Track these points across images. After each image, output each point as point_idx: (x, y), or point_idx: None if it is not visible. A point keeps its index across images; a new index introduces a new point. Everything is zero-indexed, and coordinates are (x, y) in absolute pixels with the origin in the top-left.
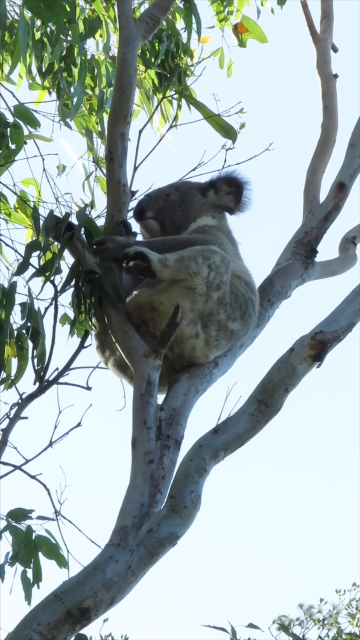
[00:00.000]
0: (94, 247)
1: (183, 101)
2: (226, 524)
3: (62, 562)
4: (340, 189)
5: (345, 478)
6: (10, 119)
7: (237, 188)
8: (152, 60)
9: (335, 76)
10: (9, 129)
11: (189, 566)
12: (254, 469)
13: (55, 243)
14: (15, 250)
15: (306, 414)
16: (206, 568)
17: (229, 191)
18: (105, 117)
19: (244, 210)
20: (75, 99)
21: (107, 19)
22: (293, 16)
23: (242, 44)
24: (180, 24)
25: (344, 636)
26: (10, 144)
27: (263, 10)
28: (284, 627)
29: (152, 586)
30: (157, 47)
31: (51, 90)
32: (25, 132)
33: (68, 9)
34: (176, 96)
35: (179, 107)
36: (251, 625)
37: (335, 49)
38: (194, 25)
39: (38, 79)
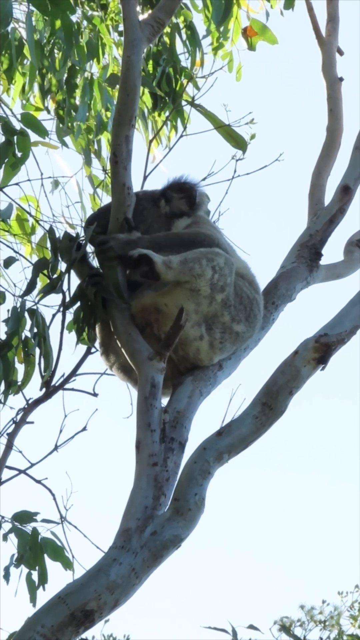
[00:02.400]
0: (97, 246)
1: (180, 118)
2: (228, 525)
3: (68, 564)
4: (345, 192)
5: (350, 480)
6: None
7: (187, 192)
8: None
9: (341, 79)
10: (15, 137)
11: (191, 568)
12: (257, 471)
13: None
14: (20, 255)
15: (309, 417)
16: (207, 569)
17: (180, 197)
18: (103, 139)
19: (200, 211)
20: (78, 121)
21: (109, 41)
22: (299, 19)
23: (251, 47)
24: (178, 47)
25: (345, 637)
26: (17, 152)
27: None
28: (285, 628)
29: (153, 587)
30: (151, 70)
31: (49, 110)
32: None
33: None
34: (173, 114)
35: (187, 119)
36: (252, 627)
37: (341, 52)
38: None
39: (32, 99)
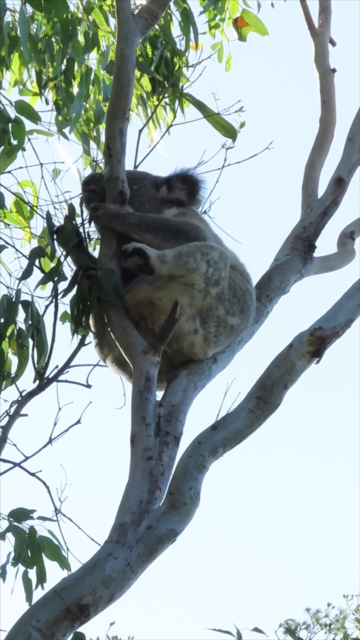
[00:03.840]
0: (89, 210)
1: (179, 103)
2: (233, 527)
3: (65, 564)
4: (339, 184)
5: (356, 482)
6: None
7: (191, 186)
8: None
9: (334, 70)
10: (10, 125)
11: (196, 569)
12: (263, 471)
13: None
14: (17, 250)
15: (318, 413)
16: (212, 571)
17: (182, 188)
18: (102, 129)
19: (195, 206)
20: (74, 114)
21: (106, 32)
22: (291, 10)
23: (242, 37)
24: (175, 31)
25: None
26: (12, 140)
27: (261, 5)
28: (291, 631)
29: (158, 589)
30: (150, 54)
31: (48, 100)
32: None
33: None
34: (171, 97)
35: (178, 106)
36: (257, 629)
37: (333, 43)
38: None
39: (29, 84)
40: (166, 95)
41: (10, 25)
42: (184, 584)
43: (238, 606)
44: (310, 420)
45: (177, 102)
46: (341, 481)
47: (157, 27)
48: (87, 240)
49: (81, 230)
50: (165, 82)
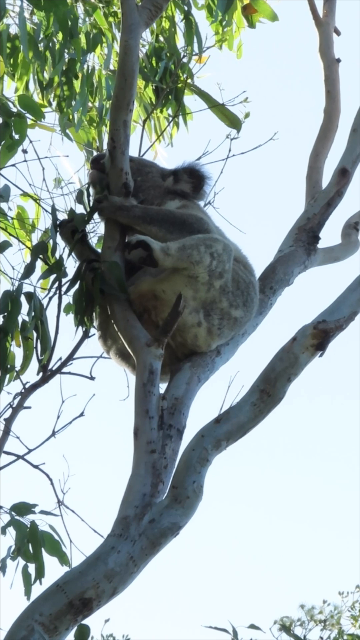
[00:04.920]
0: (94, 202)
1: (183, 104)
2: (228, 524)
3: (64, 560)
4: (343, 174)
5: (352, 479)
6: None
7: (197, 180)
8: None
9: (338, 60)
10: (12, 119)
11: (191, 567)
12: (258, 468)
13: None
14: (20, 241)
15: (314, 413)
16: (208, 568)
17: (189, 181)
18: (105, 130)
19: (198, 200)
20: (76, 113)
21: (108, 32)
22: (295, 0)
23: (251, 25)
24: (179, 42)
25: (345, 637)
26: (14, 134)
27: None
28: (286, 628)
29: (153, 586)
30: (154, 65)
31: (51, 102)
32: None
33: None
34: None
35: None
36: (252, 626)
37: (338, 33)
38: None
39: (35, 97)
40: (171, 108)
41: (11, 30)
42: (179, 581)
43: (233, 604)
44: (307, 420)
45: (178, 111)
46: (337, 480)
47: (162, 39)
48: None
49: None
50: (169, 95)
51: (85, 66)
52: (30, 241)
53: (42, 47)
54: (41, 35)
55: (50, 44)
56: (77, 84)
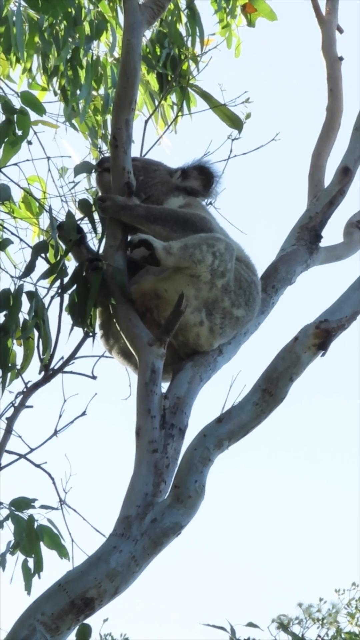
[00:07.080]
0: (97, 201)
1: (187, 92)
2: (226, 523)
3: (63, 553)
4: (345, 173)
5: (348, 478)
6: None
7: (207, 177)
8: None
9: (341, 58)
10: (15, 115)
11: (189, 565)
12: (255, 467)
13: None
14: (22, 240)
15: (309, 414)
16: (205, 567)
17: (198, 177)
18: (109, 118)
19: (207, 198)
20: (81, 102)
21: (112, 19)
22: None
23: (250, 24)
24: (183, 29)
25: (343, 635)
26: (17, 130)
27: None
28: (283, 626)
29: (152, 585)
30: (157, 52)
31: (56, 91)
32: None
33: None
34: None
35: (184, 102)
36: (250, 624)
37: (340, 31)
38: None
39: (38, 78)
40: (174, 83)
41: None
42: (177, 580)
43: (231, 602)
44: (305, 421)
45: (183, 101)
46: (335, 479)
47: (164, 25)
48: (94, 230)
49: (85, 224)
50: (174, 82)
51: (90, 54)
52: (37, 223)
53: (47, 35)
54: (45, 24)
55: (54, 32)
56: (82, 74)
